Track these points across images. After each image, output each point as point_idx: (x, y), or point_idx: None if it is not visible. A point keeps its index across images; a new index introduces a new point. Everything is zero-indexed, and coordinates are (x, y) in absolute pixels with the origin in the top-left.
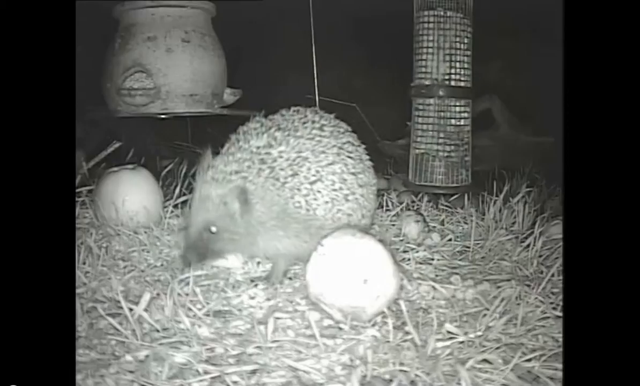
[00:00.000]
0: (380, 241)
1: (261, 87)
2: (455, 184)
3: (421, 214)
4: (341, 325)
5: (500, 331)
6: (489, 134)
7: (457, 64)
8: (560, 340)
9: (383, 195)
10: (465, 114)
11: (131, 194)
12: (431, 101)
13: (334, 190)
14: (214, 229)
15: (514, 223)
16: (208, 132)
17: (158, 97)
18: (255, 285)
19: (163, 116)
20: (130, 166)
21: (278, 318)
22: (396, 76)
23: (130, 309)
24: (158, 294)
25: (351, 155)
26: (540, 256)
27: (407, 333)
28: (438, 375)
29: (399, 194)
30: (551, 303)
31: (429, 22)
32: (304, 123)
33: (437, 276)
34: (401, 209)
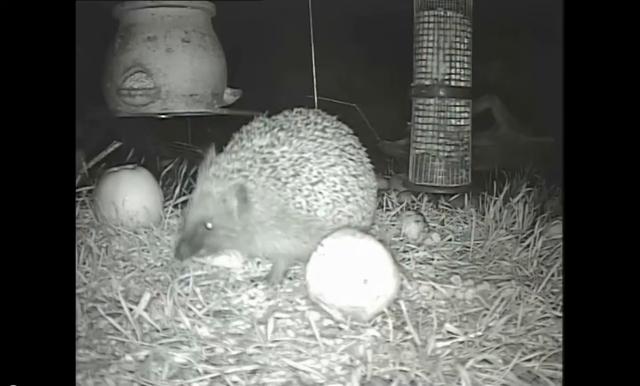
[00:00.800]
0: (380, 241)
1: (261, 87)
2: (455, 184)
3: (421, 214)
4: (341, 325)
5: (500, 331)
6: (489, 134)
7: (457, 64)
8: (560, 340)
9: (383, 195)
10: (465, 114)
11: (131, 194)
12: (431, 101)
13: (335, 191)
14: (209, 225)
15: (514, 223)
16: (208, 132)
17: (158, 97)
18: (255, 285)
19: (163, 116)
20: (130, 166)
21: (278, 318)
22: (396, 76)
23: (130, 309)
24: (158, 294)
25: (353, 157)
26: (540, 256)
27: (407, 333)
28: (438, 375)
29: (399, 194)
30: (551, 303)
31: (429, 22)
32: (307, 124)
33: (437, 276)
34: (401, 209)
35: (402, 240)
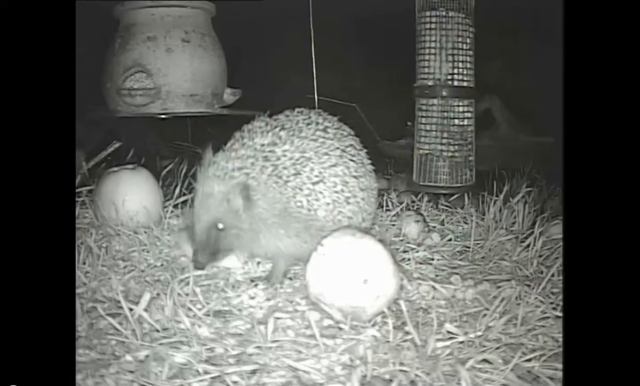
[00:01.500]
0: (380, 241)
1: (261, 87)
2: (459, 184)
3: (421, 214)
4: (341, 325)
5: (500, 331)
6: (489, 134)
7: (460, 64)
8: (560, 340)
9: (383, 195)
10: (469, 114)
11: (131, 194)
12: (434, 101)
13: (336, 192)
14: (221, 226)
15: (514, 223)
16: (208, 132)
17: (158, 97)
18: (255, 285)
19: (163, 116)
20: (130, 166)
21: (278, 318)
22: (396, 76)
23: (130, 309)
24: (158, 294)
25: (353, 158)
26: (540, 256)
27: (407, 333)
28: (438, 375)
29: (399, 194)
30: (551, 303)
31: (431, 23)
32: (308, 124)
33: (437, 276)
34: (401, 209)
35: (402, 240)
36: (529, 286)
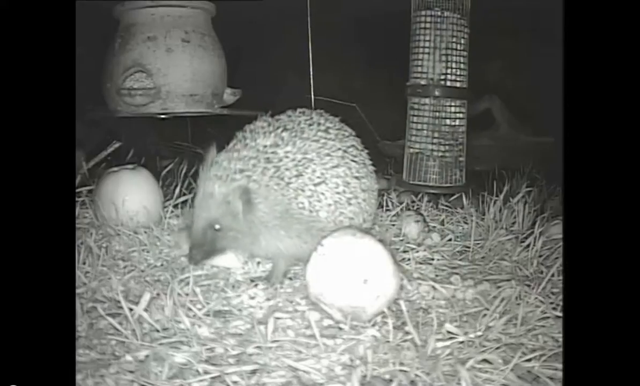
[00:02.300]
0: (380, 241)
1: (261, 87)
2: (449, 184)
3: (421, 214)
4: (341, 325)
5: (500, 331)
6: (489, 134)
7: (453, 65)
8: (560, 340)
9: (383, 195)
10: (461, 115)
11: (131, 194)
12: (426, 100)
13: (337, 193)
14: (217, 226)
15: (514, 223)
16: (208, 132)
17: (158, 97)
18: (255, 285)
19: (163, 116)
20: (130, 166)
21: (278, 318)
22: (396, 76)
23: (130, 309)
24: (158, 294)
25: (355, 159)
26: (540, 256)
27: (407, 333)
28: (438, 375)
29: (399, 194)
30: (551, 303)
31: (425, 22)
32: (310, 125)
33: (437, 276)
34: (401, 209)
35: (402, 240)
36: (529, 286)
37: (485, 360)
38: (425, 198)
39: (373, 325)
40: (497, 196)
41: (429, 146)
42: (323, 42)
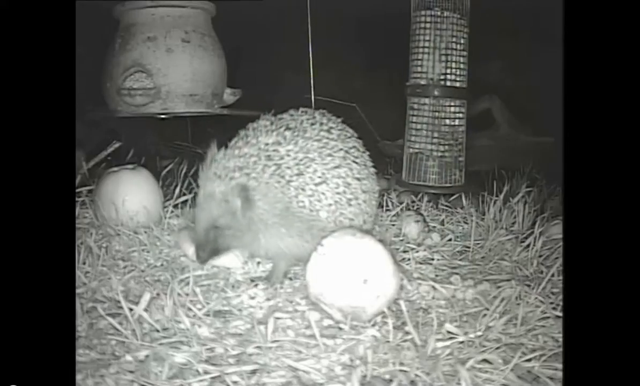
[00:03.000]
0: (380, 241)
1: (261, 87)
2: (448, 184)
3: (421, 214)
4: (341, 325)
5: (500, 331)
6: (489, 134)
7: (453, 65)
8: (560, 340)
9: (383, 195)
10: (460, 115)
11: (131, 194)
12: (426, 100)
13: (338, 193)
14: (218, 225)
15: (514, 223)
16: (208, 132)
17: (158, 97)
18: (256, 285)
19: (163, 116)
20: (130, 166)
21: (278, 318)
22: (396, 76)
23: (130, 309)
24: (158, 294)
25: (357, 160)
26: (540, 256)
27: (407, 333)
28: (438, 375)
29: (399, 194)
30: (551, 303)
31: (425, 22)
32: (312, 124)
33: (437, 276)
34: (401, 209)
35: (402, 240)
36: (529, 286)
37: (485, 360)
38: (425, 198)
39: (373, 325)
40: (497, 196)
41: (428, 146)
42: (323, 42)
